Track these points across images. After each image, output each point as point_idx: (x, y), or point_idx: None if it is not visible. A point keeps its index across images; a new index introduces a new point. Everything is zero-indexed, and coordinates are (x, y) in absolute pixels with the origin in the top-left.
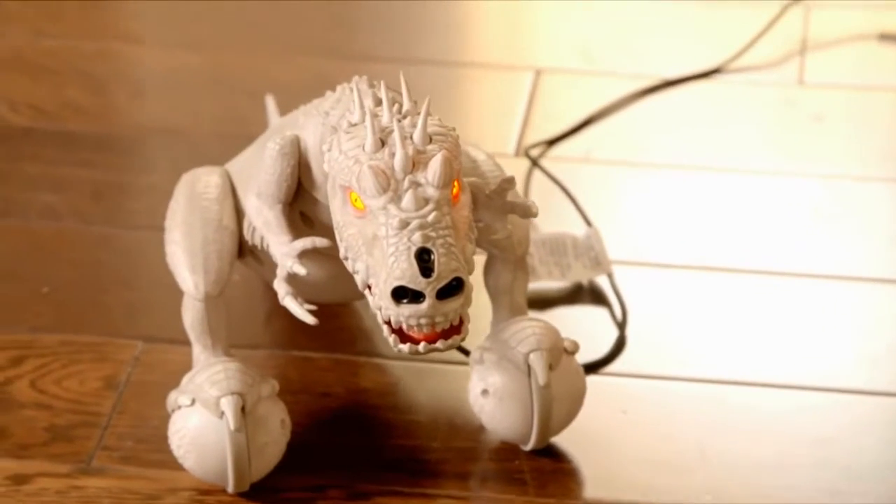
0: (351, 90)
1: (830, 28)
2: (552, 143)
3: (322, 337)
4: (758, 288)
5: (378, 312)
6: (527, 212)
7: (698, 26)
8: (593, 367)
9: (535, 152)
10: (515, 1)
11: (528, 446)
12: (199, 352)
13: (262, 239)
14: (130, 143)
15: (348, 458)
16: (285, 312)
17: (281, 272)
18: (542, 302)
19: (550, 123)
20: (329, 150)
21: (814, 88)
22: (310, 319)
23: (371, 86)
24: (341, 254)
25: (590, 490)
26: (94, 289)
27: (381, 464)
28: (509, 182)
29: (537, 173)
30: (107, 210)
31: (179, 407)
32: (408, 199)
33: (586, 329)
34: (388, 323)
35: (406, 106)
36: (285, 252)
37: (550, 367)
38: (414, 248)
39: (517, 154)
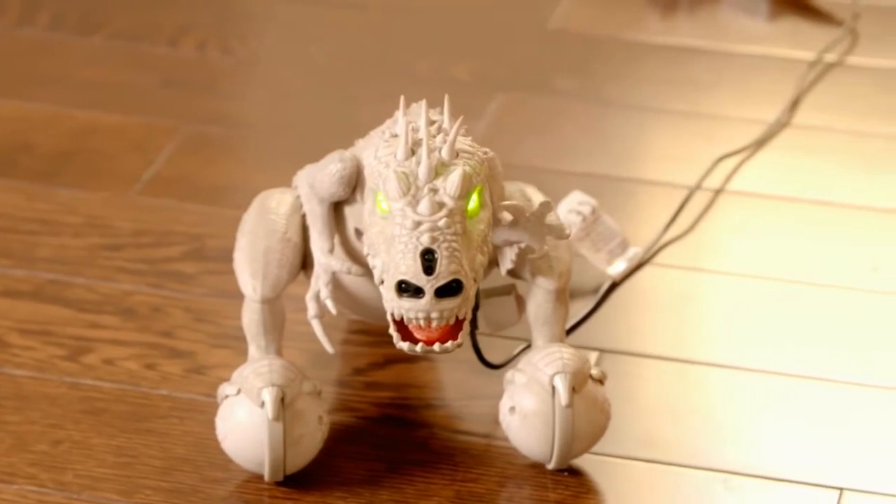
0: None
1: None
2: None
3: None
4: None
5: (387, 307)
6: (560, 234)
7: None
8: None
9: None
10: None
11: (550, 465)
12: (253, 350)
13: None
14: None
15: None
16: None
17: (314, 287)
18: None
19: None
20: (367, 157)
21: None
22: (329, 348)
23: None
24: (364, 251)
25: None
26: None
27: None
28: (546, 206)
29: None
30: None
31: (227, 396)
32: (424, 204)
33: None
34: (394, 319)
35: (445, 125)
36: (323, 263)
37: (574, 390)
38: (421, 248)
39: None
